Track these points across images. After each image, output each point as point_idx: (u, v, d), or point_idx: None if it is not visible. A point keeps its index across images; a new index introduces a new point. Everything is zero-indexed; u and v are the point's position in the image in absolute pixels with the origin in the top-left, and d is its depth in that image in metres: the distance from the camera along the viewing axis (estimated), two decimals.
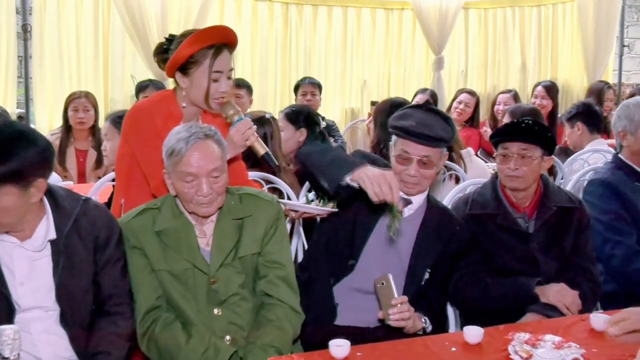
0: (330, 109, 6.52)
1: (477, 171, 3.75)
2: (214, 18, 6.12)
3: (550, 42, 7.54)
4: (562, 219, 2.72)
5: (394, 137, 2.54)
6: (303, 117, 3.85)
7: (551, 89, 5.78)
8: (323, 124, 4.00)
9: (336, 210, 2.44)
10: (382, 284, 2.24)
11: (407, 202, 2.52)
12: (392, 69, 6.92)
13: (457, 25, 6.97)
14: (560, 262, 2.70)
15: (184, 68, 2.52)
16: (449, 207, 3.02)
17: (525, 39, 7.46)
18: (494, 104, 5.81)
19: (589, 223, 2.79)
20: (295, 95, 5.69)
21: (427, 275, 2.49)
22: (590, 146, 4.30)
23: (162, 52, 2.61)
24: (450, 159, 3.72)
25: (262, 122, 3.40)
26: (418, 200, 2.53)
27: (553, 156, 2.81)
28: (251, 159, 2.99)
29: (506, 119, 4.20)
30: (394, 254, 2.49)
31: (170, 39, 2.60)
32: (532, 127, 2.67)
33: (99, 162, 4.59)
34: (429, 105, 2.64)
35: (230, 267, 2.26)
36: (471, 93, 5.86)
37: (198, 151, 2.17)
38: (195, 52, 2.48)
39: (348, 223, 2.49)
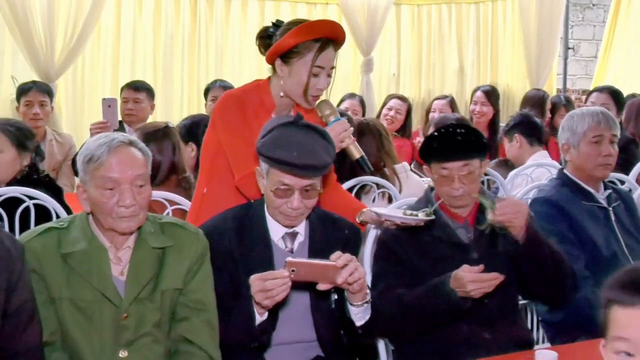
0: None
1: (412, 189, 3.82)
2: (110, 11, 6.04)
3: (489, 43, 7.79)
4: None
5: (263, 165, 2.45)
6: (201, 130, 3.80)
7: (491, 94, 5.95)
8: None
9: (433, 217, 2.65)
10: (293, 271, 2.22)
11: (294, 235, 2.53)
12: None
13: (388, 23, 7.10)
14: (508, 268, 2.69)
15: (286, 56, 2.73)
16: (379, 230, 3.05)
17: (463, 39, 7.68)
18: (428, 111, 5.95)
19: (532, 219, 2.77)
20: (205, 100, 5.64)
21: (334, 296, 2.49)
22: (532, 159, 4.46)
23: (266, 37, 2.82)
24: (383, 175, 3.76)
25: (165, 133, 3.36)
26: (302, 225, 2.54)
27: (490, 169, 2.87)
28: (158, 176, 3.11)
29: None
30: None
31: (278, 24, 2.82)
32: (468, 140, 2.73)
33: None
34: (302, 120, 2.47)
35: (146, 302, 2.26)
36: (402, 99, 5.98)
37: (121, 156, 2.20)
38: (301, 42, 2.69)
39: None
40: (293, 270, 2.22)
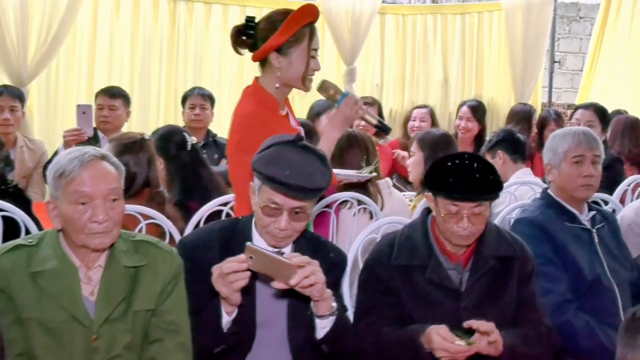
0: (223, 126, 6.42)
1: (395, 206, 3.82)
2: (86, 12, 6.02)
3: (475, 55, 7.83)
4: (500, 271, 2.73)
5: (256, 181, 2.44)
6: (172, 144, 3.84)
7: (477, 110, 5.94)
8: (189, 142, 3.91)
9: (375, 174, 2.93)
10: (251, 257, 2.22)
11: (279, 255, 2.52)
12: None
13: (372, 33, 7.12)
14: (498, 323, 2.64)
15: (283, 48, 2.92)
16: (360, 249, 3.05)
17: (448, 50, 7.72)
18: (407, 119, 5.94)
19: (533, 270, 2.80)
20: (183, 108, 5.62)
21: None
22: (515, 177, 4.47)
23: (244, 35, 2.98)
24: (365, 190, 3.75)
25: (142, 145, 3.34)
26: (288, 246, 2.54)
27: None
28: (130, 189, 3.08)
29: (415, 148, 4.23)
30: (273, 301, 2.51)
31: (250, 21, 2.98)
32: (486, 179, 2.61)
33: None
34: (302, 141, 2.48)
35: (117, 323, 2.26)
36: (422, 106, 6.03)
37: (93, 170, 2.20)
38: (296, 31, 2.90)
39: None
40: (251, 257, 2.21)
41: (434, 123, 5.93)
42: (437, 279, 2.67)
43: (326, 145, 2.99)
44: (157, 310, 2.32)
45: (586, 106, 5.31)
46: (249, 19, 3.00)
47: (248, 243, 2.25)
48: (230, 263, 2.23)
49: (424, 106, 6.08)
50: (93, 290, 2.26)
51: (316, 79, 3.08)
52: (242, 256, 2.23)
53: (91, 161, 2.20)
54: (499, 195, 2.69)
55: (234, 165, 3.02)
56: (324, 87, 3.10)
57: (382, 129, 3.23)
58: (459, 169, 2.62)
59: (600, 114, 5.15)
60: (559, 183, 3.25)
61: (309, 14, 2.96)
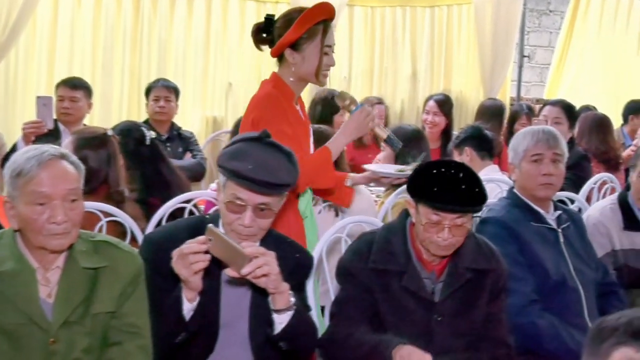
0: (188, 118, 6.49)
1: (362, 203, 3.81)
2: (47, 1, 5.91)
3: (444, 49, 7.84)
4: (475, 284, 2.72)
5: (222, 177, 2.44)
6: (131, 141, 3.81)
7: (444, 104, 5.98)
8: (148, 138, 3.89)
9: None
10: (210, 240, 2.23)
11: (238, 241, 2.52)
12: (263, 71, 6.89)
13: (340, 25, 7.09)
14: (469, 337, 2.69)
15: (297, 44, 3.08)
16: (325, 248, 3.06)
17: (417, 43, 7.73)
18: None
19: (504, 286, 2.81)
20: (147, 100, 5.58)
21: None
22: (482, 174, 4.46)
23: (263, 33, 3.17)
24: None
25: (103, 141, 3.31)
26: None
27: None
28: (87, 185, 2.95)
29: (387, 149, 4.25)
30: (237, 302, 2.52)
31: (270, 18, 3.17)
32: (471, 191, 2.57)
33: None
34: (269, 138, 2.50)
35: (76, 326, 2.25)
36: (430, 98, 6.01)
37: (52, 170, 2.18)
38: (309, 28, 3.05)
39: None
40: (210, 240, 2.22)
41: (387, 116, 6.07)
42: (412, 288, 2.66)
43: (334, 147, 3.19)
44: (117, 312, 2.31)
45: (554, 103, 5.34)
46: (268, 17, 3.19)
47: (209, 225, 2.25)
48: (191, 244, 2.25)
49: (378, 101, 6.10)
50: (51, 292, 2.24)
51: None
52: (202, 237, 2.24)
53: (50, 160, 2.18)
54: (482, 208, 2.68)
55: None
56: (342, 96, 3.35)
57: (392, 144, 3.39)
58: (444, 178, 2.58)
59: (568, 110, 5.18)
60: (521, 182, 3.29)
61: (324, 12, 3.12)
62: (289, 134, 3.04)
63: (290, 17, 3.12)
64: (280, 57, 3.18)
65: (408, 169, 3.46)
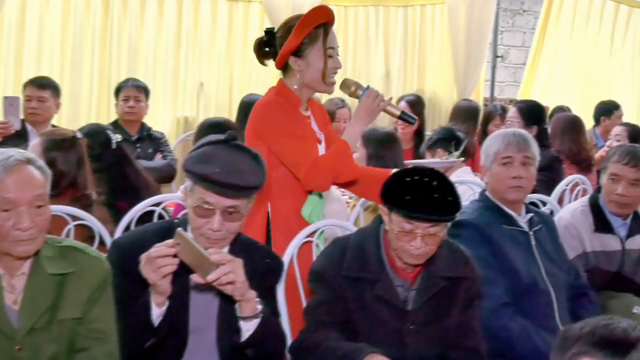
0: (159, 118, 6.46)
1: (333, 205, 3.80)
2: (14, 2, 5.86)
3: (417, 49, 7.86)
4: (448, 292, 2.72)
5: (188, 181, 2.43)
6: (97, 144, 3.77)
7: (416, 104, 6.03)
8: (114, 141, 3.86)
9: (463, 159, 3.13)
10: (179, 243, 2.23)
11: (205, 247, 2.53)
12: (236, 71, 6.94)
13: None
14: (442, 345, 2.70)
15: (299, 51, 3.07)
16: (295, 253, 3.06)
17: (390, 43, 7.73)
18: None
19: (478, 292, 2.82)
20: (116, 100, 5.56)
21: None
22: (455, 176, 4.51)
23: (264, 46, 3.17)
24: None
25: (73, 144, 3.30)
26: (224, 250, 2.51)
27: None
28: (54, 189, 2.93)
29: (359, 145, 4.23)
30: (205, 307, 2.52)
31: (270, 31, 3.17)
32: (445, 199, 2.55)
33: None
34: (235, 140, 2.48)
35: (42, 333, 2.24)
36: (403, 98, 6.08)
37: (18, 175, 2.16)
38: (309, 32, 3.04)
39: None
40: (179, 243, 2.22)
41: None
42: (385, 296, 2.65)
43: (349, 138, 3.14)
44: (84, 318, 2.30)
45: (515, 103, 5.45)
46: (268, 30, 3.19)
47: (179, 229, 2.26)
48: (159, 247, 2.25)
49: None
50: (16, 299, 2.23)
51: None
52: (170, 241, 2.25)
53: (16, 166, 2.17)
54: (456, 217, 2.65)
55: None
56: (345, 84, 3.25)
57: (406, 120, 3.33)
58: (417, 187, 2.55)
59: (523, 110, 5.23)
60: (492, 185, 3.32)
61: (321, 15, 3.10)
62: (298, 134, 3.07)
63: (290, 24, 3.11)
64: (285, 67, 3.15)
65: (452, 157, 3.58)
